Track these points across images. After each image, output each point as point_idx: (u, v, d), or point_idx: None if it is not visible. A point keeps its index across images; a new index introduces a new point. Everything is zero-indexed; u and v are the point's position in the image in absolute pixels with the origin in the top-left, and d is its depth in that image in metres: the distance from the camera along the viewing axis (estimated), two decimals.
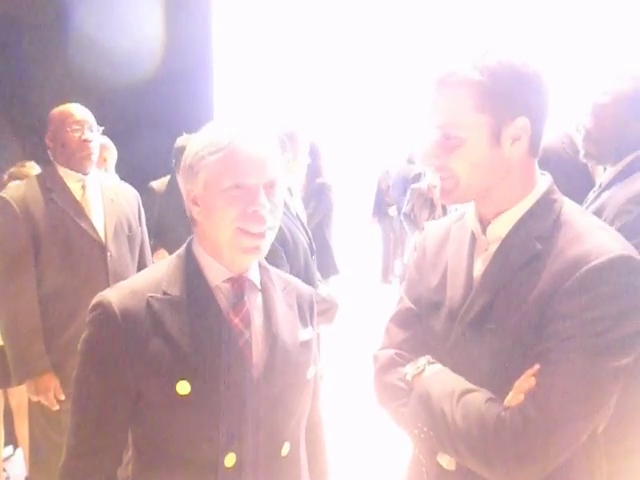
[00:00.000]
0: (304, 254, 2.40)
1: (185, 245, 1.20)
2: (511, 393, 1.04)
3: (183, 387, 1.08)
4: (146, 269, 1.26)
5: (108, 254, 2.39)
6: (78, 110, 2.41)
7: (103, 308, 1.09)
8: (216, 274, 1.16)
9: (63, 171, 2.40)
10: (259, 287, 1.22)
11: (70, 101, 2.46)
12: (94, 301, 1.12)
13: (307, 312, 1.31)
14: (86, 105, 2.48)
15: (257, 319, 1.19)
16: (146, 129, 3.58)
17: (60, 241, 2.29)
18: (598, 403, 1.01)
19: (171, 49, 3.50)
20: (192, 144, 1.14)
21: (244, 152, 1.10)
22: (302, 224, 2.53)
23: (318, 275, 2.71)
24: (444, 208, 5.39)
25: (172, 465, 1.13)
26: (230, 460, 1.11)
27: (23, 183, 2.39)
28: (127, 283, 1.17)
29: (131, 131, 3.46)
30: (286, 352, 1.19)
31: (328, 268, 3.78)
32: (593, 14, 5.79)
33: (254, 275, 1.21)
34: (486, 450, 1.02)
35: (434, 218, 5.38)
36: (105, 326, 1.09)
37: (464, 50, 1.11)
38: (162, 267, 1.19)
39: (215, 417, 1.10)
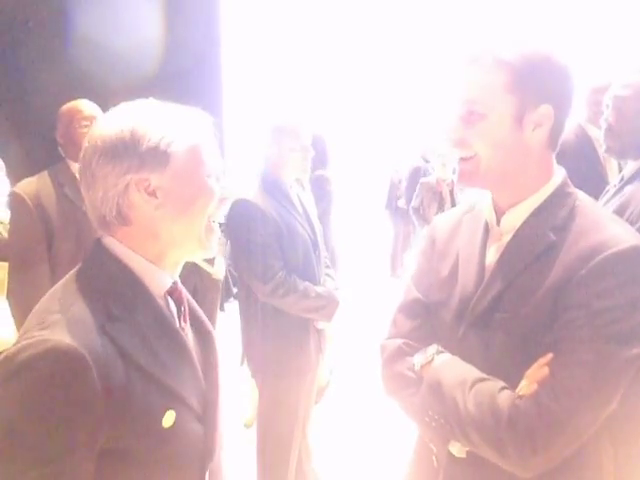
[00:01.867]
0: (304, 248, 2.37)
1: (100, 255, 1.00)
2: (523, 382, 1.05)
3: (169, 418, 0.95)
4: (61, 294, 0.98)
5: None
6: (87, 106, 2.44)
7: (66, 357, 0.83)
8: (159, 284, 1.02)
9: (74, 166, 2.41)
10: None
11: (71, 101, 2.47)
12: (37, 350, 0.83)
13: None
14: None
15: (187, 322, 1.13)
16: None
17: (73, 235, 2.30)
18: (611, 392, 1.02)
19: (177, 48, 3.48)
20: (143, 127, 0.96)
21: (212, 142, 1.04)
22: (308, 218, 2.50)
23: (331, 272, 2.70)
24: (453, 202, 5.39)
25: None
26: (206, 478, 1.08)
27: (35, 178, 2.42)
28: (66, 317, 0.89)
29: None
30: (217, 352, 1.15)
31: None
32: (602, 7, 5.76)
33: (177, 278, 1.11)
34: (500, 438, 1.03)
35: (445, 210, 5.38)
36: (74, 382, 0.84)
37: (498, 33, 1.13)
38: (86, 288, 0.96)
39: (197, 438, 1.04)
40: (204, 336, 1.15)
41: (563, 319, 1.04)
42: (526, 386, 1.04)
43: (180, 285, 1.08)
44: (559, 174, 1.17)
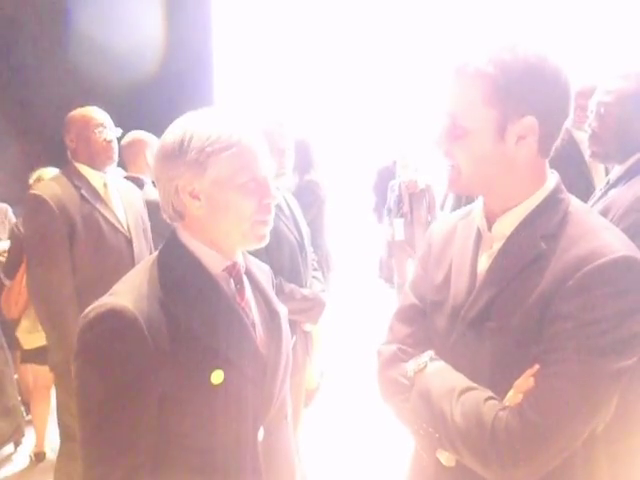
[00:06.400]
0: (290, 251, 2.36)
1: (170, 241, 1.18)
2: (510, 392, 1.04)
3: (217, 376, 1.08)
4: (136, 270, 1.18)
5: (135, 246, 2.49)
6: (99, 113, 2.52)
7: (120, 316, 1.03)
8: (216, 264, 1.17)
9: (84, 169, 2.47)
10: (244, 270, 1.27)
11: (70, 101, 2.55)
12: (100, 311, 1.03)
13: (272, 288, 1.39)
14: (86, 105, 2.56)
15: (252, 299, 1.25)
16: (146, 129, 3.62)
17: (93, 235, 2.37)
18: (596, 405, 1.00)
19: (171, 49, 3.52)
20: (189, 139, 1.10)
21: (255, 147, 1.13)
22: (295, 221, 2.49)
23: (319, 274, 2.68)
24: (411, 204, 5.51)
25: (190, 461, 1.11)
26: (261, 434, 1.19)
27: (52, 181, 2.45)
28: (128, 287, 1.10)
29: (131, 130, 3.50)
30: (282, 328, 1.27)
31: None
32: (593, 12, 5.90)
33: (240, 260, 1.24)
34: (483, 448, 1.01)
35: (403, 213, 5.51)
36: (127, 335, 1.03)
37: (484, 41, 1.09)
38: (154, 266, 1.14)
39: (245, 400, 1.14)
40: (272, 314, 1.28)
41: (550, 330, 1.01)
42: (512, 396, 1.03)
43: (239, 266, 1.21)
44: (551, 180, 1.14)
